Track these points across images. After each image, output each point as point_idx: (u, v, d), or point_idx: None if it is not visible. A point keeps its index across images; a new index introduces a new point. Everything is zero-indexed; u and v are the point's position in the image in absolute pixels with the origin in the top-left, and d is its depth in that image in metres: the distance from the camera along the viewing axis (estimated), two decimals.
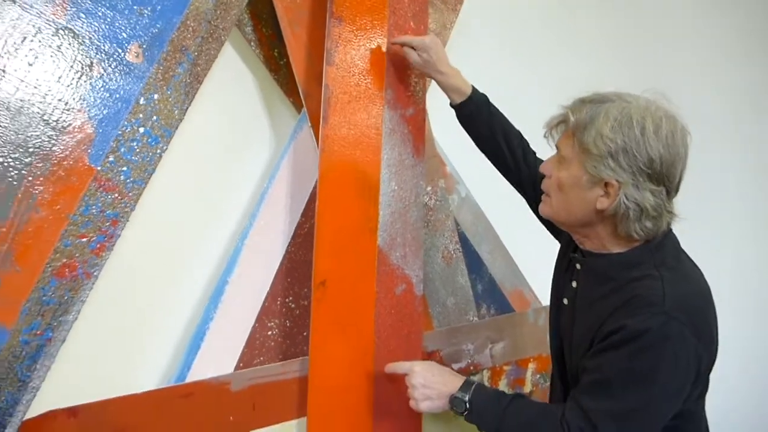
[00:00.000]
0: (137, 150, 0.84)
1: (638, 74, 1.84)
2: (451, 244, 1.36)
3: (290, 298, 1.11)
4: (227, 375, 0.96)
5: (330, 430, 1.00)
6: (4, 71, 0.74)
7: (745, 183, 2.21)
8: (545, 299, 1.49)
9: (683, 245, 0.92)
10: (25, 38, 0.75)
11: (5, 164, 0.75)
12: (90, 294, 0.84)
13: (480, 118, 1.12)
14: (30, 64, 0.76)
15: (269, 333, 1.09)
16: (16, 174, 0.75)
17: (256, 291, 1.08)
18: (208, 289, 1.05)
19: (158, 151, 0.86)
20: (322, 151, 1.05)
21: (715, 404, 1.05)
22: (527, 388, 1.42)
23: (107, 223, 0.81)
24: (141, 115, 0.84)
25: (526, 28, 1.72)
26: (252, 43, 1.16)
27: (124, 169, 0.83)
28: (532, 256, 1.66)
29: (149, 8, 0.85)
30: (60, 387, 0.83)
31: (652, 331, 0.79)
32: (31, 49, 0.76)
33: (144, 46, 0.85)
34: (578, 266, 0.95)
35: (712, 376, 0.90)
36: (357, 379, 1.04)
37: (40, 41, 0.77)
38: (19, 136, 0.75)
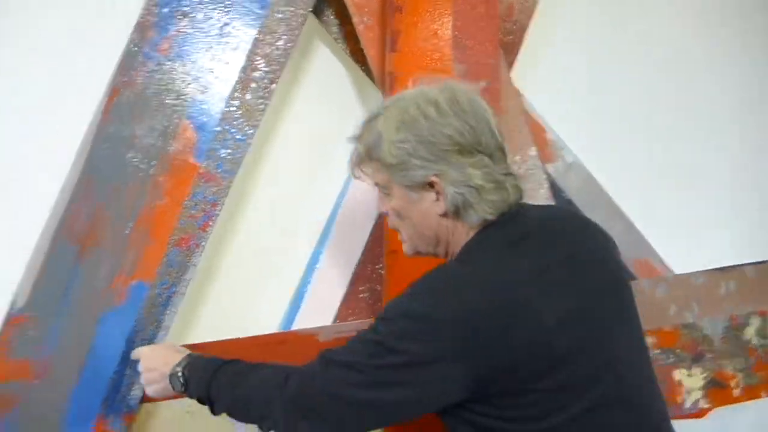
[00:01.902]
0: (229, 148, 1.07)
1: None
2: None
3: (380, 265, 1.26)
4: (316, 328, 1.15)
5: None
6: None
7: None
8: (682, 268, 1.40)
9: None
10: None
11: (140, 166, 1.04)
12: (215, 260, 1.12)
13: None
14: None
15: (361, 296, 1.27)
16: (145, 173, 1.04)
17: (350, 258, 1.26)
18: (308, 255, 1.27)
19: (245, 147, 1.08)
20: None
21: None
22: None
23: (209, 206, 1.06)
24: (229, 119, 1.07)
25: None
26: (338, 41, 1.33)
27: (219, 163, 1.06)
28: (662, 224, 1.57)
29: (229, 28, 1.07)
30: (188, 328, 1.13)
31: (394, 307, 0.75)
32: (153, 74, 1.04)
33: (229, 63, 1.07)
34: None
35: None
36: None
37: (157, 72, 1.04)
38: (145, 141, 1.03)
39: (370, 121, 0.84)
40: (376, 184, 0.86)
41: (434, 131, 0.77)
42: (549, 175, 1.45)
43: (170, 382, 0.87)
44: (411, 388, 0.71)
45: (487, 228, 0.80)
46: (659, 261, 1.51)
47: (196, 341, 1.12)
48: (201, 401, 0.86)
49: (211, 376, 0.83)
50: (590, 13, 1.56)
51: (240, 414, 0.84)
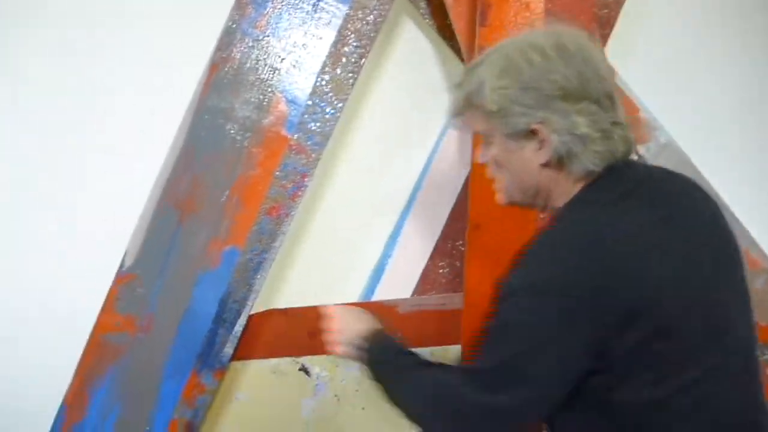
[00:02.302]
0: (318, 121, 1.10)
1: None
2: None
3: (460, 242, 1.26)
4: (395, 299, 1.18)
5: None
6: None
7: None
8: None
9: None
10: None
11: (236, 137, 1.09)
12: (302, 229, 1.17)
13: None
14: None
15: (440, 271, 1.28)
16: (241, 144, 1.09)
17: (430, 234, 1.27)
18: (390, 228, 1.29)
19: (334, 120, 1.11)
20: None
21: None
22: None
23: (299, 177, 1.10)
24: (319, 94, 1.10)
25: None
26: (425, 17, 1.33)
27: (309, 135, 1.10)
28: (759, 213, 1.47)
29: (322, 4, 1.10)
30: (275, 292, 1.19)
31: (505, 285, 0.72)
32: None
33: (321, 39, 1.10)
34: None
35: None
36: None
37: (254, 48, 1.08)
38: (241, 114, 1.08)
39: (472, 68, 0.80)
40: (477, 133, 0.84)
41: (538, 77, 0.73)
42: (641, 156, 1.39)
43: (356, 350, 0.87)
44: (552, 359, 0.69)
45: (593, 183, 0.76)
46: (758, 250, 1.42)
47: (283, 306, 1.18)
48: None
49: (388, 369, 0.84)
50: None
51: (405, 408, 0.82)
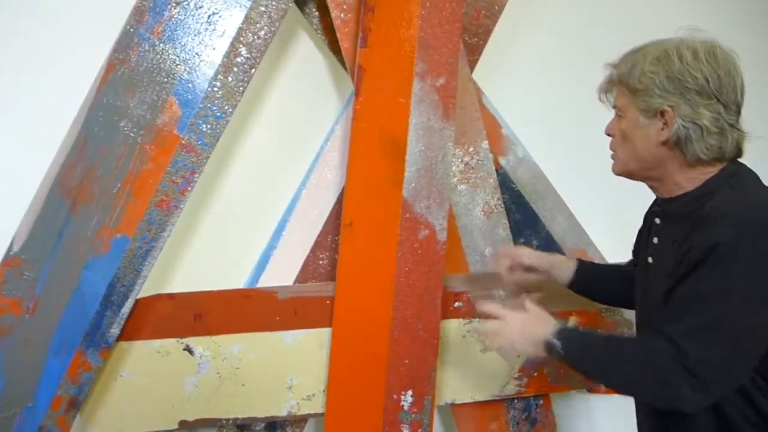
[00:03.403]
0: (209, 123, 1.21)
1: None
2: (492, 200, 1.52)
3: (339, 237, 1.41)
4: (276, 286, 1.31)
5: (350, 340, 1.30)
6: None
7: None
8: (616, 260, 1.56)
9: None
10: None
11: (129, 134, 1.18)
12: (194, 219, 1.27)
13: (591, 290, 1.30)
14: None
15: (320, 262, 1.42)
16: (134, 140, 1.17)
17: (312, 229, 1.42)
18: (275, 222, 1.42)
19: (224, 123, 1.22)
20: (353, 120, 1.32)
21: None
22: None
23: (188, 173, 1.20)
24: (210, 98, 1.21)
25: None
26: (318, 31, 1.47)
27: (200, 136, 1.20)
28: (599, 219, 1.73)
29: (216, 17, 1.21)
30: (166, 278, 1.29)
31: (721, 245, 0.82)
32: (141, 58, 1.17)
33: (214, 49, 1.21)
34: (657, 221, 1.02)
35: None
36: (377, 302, 1.31)
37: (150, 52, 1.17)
38: (135, 112, 1.17)
39: (631, 54, 0.95)
40: (614, 107, 0.99)
41: (684, 71, 0.88)
42: (501, 167, 1.61)
43: (545, 350, 0.97)
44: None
45: (734, 169, 0.93)
46: (596, 251, 1.68)
47: (174, 291, 1.28)
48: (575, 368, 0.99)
49: (589, 352, 0.96)
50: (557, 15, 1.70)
51: (621, 386, 0.95)
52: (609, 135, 1.01)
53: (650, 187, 1.02)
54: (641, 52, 0.94)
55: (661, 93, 0.90)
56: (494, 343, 1.08)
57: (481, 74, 1.59)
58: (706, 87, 0.88)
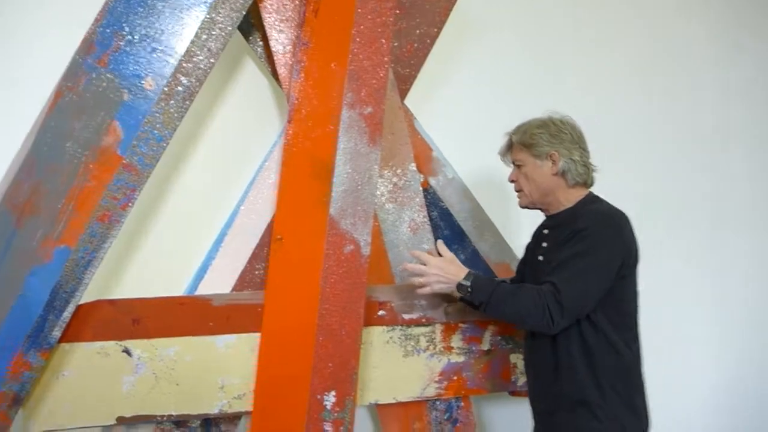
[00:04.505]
0: (149, 146, 1.33)
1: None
2: (418, 217, 1.65)
3: None
4: (210, 294, 1.43)
5: (277, 344, 1.42)
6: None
7: None
8: None
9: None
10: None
11: (75, 154, 1.29)
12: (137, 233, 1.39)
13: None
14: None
15: (256, 272, 1.55)
16: (78, 159, 1.29)
17: (249, 241, 1.54)
18: (214, 236, 1.54)
19: (163, 146, 1.34)
20: (285, 144, 1.45)
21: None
22: (485, 347, 1.64)
23: (129, 191, 1.32)
24: (151, 123, 1.33)
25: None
26: (262, 59, 1.60)
27: (140, 157, 1.33)
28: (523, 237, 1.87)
29: (159, 51, 1.33)
30: (101, 287, 1.40)
31: (590, 227, 1.31)
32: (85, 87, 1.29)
33: (155, 78, 1.33)
34: (546, 231, 1.45)
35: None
36: (304, 310, 1.43)
37: (95, 80, 1.30)
38: (80, 135, 1.29)
39: (520, 126, 1.43)
40: (513, 161, 1.44)
41: (558, 130, 1.39)
42: (431, 187, 1.75)
43: (457, 289, 1.38)
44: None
45: (591, 193, 1.43)
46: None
47: (117, 297, 1.39)
48: (472, 304, 1.42)
49: (492, 290, 1.34)
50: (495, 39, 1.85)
51: (510, 314, 1.36)
52: (512, 182, 1.47)
53: (543, 210, 1.47)
54: (527, 125, 1.43)
55: (547, 143, 1.39)
56: (417, 282, 1.43)
57: (414, 100, 1.73)
58: (573, 138, 1.40)
